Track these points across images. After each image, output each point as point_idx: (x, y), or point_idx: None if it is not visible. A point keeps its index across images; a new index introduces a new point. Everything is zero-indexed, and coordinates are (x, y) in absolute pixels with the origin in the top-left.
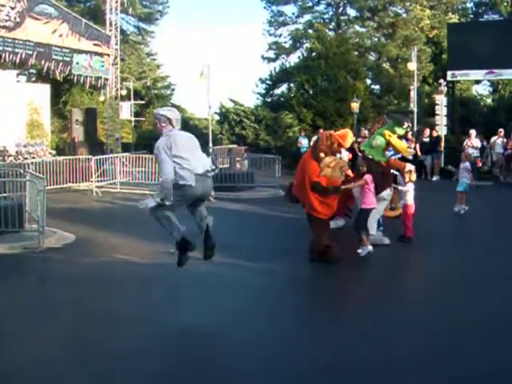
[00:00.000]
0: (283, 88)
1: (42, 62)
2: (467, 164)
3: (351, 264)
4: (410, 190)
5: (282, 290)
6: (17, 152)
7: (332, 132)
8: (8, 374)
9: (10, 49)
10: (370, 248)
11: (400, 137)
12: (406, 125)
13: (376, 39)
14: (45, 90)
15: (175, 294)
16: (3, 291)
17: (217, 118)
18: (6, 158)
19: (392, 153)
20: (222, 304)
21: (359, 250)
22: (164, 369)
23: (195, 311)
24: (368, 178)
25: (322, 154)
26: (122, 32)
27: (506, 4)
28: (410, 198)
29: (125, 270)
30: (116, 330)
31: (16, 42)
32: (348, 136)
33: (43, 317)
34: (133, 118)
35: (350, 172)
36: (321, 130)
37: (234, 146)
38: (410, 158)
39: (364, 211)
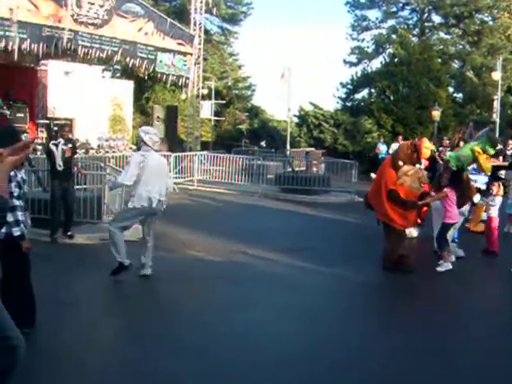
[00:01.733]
0: (364, 93)
1: (127, 59)
2: None
3: (424, 275)
4: (496, 204)
5: (351, 296)
6: (98, 146)
7: (413, 141)
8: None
9: (97, 45)
10: (450, 266)
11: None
12: (498, 147)
13: (460, 47)
14: (128, 86)
15: (243, 292)
16: (79, 279)
17: (296, 120)
18: (87, 150)
19: (471, 168)
20: (290, 306)
21: (438, 268)
22: (234, 369)
23: (263, 312)
24: (448, 191)
25: (401, 162)
26: (206, 32)
27: None
28: (494, 211)
29: (196, 266)
30: (180, 323)
31: (103, 38)
32: (428, 148)
33: (113, 307)
34: (213, 117)
35: (426, 185)
36: (400, 137)
37: (312, 149)
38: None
39: (447, 225)
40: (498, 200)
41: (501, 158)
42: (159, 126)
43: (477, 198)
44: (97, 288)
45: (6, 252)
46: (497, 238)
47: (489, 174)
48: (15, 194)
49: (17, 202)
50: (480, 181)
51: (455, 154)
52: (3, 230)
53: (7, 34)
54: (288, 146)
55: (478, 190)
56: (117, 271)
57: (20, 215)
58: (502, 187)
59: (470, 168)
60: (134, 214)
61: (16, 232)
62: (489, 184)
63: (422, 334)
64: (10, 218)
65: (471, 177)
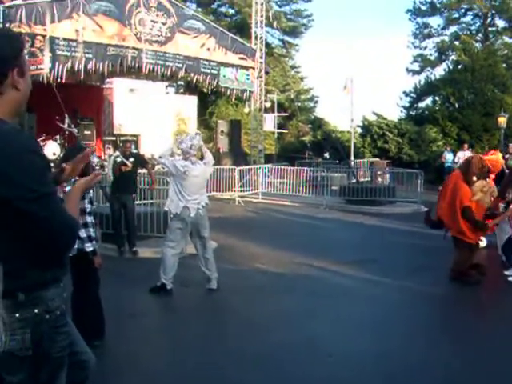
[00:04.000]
0: (428, 101)
1: (191, 75)
2: None
3: (492, 287)
4: None
5: (416, 307)
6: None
7: (482, 156)
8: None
9: (161, 62)
10: None
11: None
12: None
13: None
14: (192, 101)
15: (309, 304)
16: (144, 292)
17: (359, 130)
18: (153, 166)
19: None
20: (352, 319)
21: (507, 272)
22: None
23: (324, 323)
24: None
25: (475, 178)
26: (267, 45)
27: None
28: None
29: (261, 278)
30: (242, 333)
31: (167, 55)
32: (498, 162)
33: (179, 318)
34: (276, 130)
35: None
36: (465, 145)
37: (376, 159)
38: None
39: None
40: None
41: None
42: (223, 140)
43: None
44: (162, 301)
45: (78, 267)
46: None
47: None
48: (87, 210)
49: (89, 219)
50: None
51: None
52: (76, 245)
53: (74, 54)
54: (352, 157)
55: None
56: (155, 290)
57: (92, 231)
58: None
59: None
60: (173, 224)
61: (89, 248)
62: None
63: (482, 348)
64: (82, 233)
65: None
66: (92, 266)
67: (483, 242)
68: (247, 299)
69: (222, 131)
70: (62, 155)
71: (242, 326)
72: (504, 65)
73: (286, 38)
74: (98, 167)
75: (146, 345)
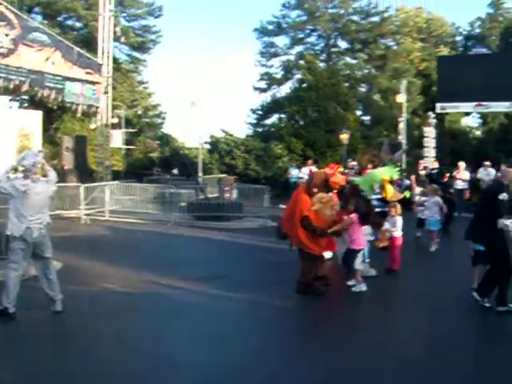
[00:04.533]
0: (274, 118)
1: (36, 89)
2: (437, 198)
3: (337, 297)
4: (398, 225)
5: (265, 321)
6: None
7: (326, 173)
8: None
9: (3, 75)
10: (364, 287)
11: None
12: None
13: (366, 71)
14: (37, 116)
15: (158, 324)
16: None
17: (207, 147)
18: None
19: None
20: (206, 334)
21: (353, 288)
22: None
23: (178, 341)
24: (354, 217)
25: (315, 189)
26: (115, 60)
27: (494, 38)
28: (398, 232)
29: (109, 299)
30: (94, 355)
31: (10, 68)
32: (337, 183)
33: (21, 343)
34: (124, 146)
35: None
36: (310, 161)
37: (224, 175)
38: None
39: (354, 251)
40: (399, 221)
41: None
42: (68, 157)
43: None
44: (3, 326)
45: None
46: (399, 257)
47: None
48: None
49: None
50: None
51: (366, 181)
52: None
53: None
54: (200, 173)
55: (381, 213)
56: None
57: None
58: (399, 206)
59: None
60: (15, 245)
61: None
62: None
63: (335, 354)
64: None
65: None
66: None
67: (328, 254)
68: (91, 321)
69: (68, 147)
70: None
71: (85, 349)
72: (346, 84)
73: (134, 54)
74: None
75: None
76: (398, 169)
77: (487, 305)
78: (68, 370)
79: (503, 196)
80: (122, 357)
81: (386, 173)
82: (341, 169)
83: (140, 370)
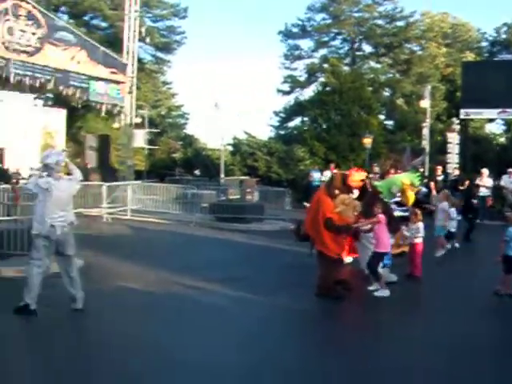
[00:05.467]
0: (297, 121)
1: (60, 88)
2: (445, 204)
3: (357, 301)
4: (420, 232)
5: (285, 323)
6: (30, 175)
7: (343, 173)
8: None
9: (29, 73)
10: (387, 292)
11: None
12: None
13: (391, 75)
14: (61, 114)
15: (178, 324)
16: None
17: (230, 149)
18: (17, 181)
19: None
20: (224, 335)
21: (376, 293)
22: None
23: (196, 341)
24: (383, 218)
25: (337, 191)
26: (139, 60)
27: None
28: (419, 238)
29: (128, 298)
30: (112, 354)
31: (36, 66)
32: (355, 181)
33: (41, 340)
34: (146, 146)
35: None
36: (332, 165)
37: (246, 177)
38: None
39: (379, 254)
40: (421, 227)
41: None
42: (91, 155)
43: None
44: (24, 321)
45: None
46: (420, 263)
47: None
48: None
49: None
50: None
51: (386, 185)
52: None
53: None
54: (222, 175)
55: (402, 218)
56: (20, 310)
57: None
58: (419, 213)
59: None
60: (38, 242)
61: None
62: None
63: (352, 358)
64: None
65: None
66: None
67: (349, 259)
68: (112, 320)
69: (91, 146)
70: None
71: (106, 347)
72: (370, 88)
73: (159, 54)
74: None
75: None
76: (418, 174)
77: None
78: (83, 369)
79: None
80: (140, 356)
81: (406, 178)
82: (364, 173)
83: (156, 370)
